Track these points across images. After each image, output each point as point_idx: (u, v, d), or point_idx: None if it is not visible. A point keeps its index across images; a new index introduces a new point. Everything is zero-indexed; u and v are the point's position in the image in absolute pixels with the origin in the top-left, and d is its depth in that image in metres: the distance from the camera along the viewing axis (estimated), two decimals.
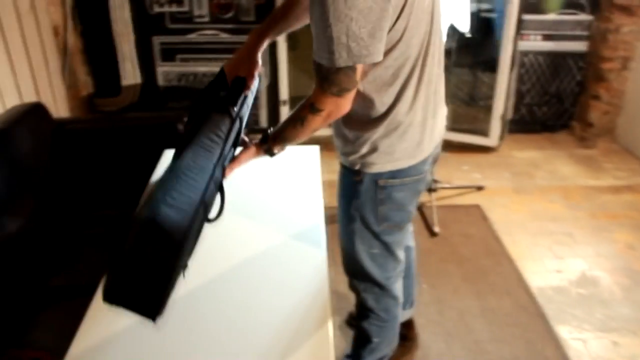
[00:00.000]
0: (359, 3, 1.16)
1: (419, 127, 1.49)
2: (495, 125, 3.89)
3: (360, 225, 1.63)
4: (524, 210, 3.30)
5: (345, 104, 1.35)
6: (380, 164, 1.51)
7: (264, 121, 4.09)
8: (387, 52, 1.31)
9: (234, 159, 1.47)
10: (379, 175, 1.53)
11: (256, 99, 3.91)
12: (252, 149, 1.49)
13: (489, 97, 3.92)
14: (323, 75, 1.29)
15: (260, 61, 1.60)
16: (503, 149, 4.01)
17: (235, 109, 1.47)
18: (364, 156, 1.51)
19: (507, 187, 3.56)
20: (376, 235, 1.64)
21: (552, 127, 4.23)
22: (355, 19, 1.18)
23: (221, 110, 1.44)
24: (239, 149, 1.51)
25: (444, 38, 1.58)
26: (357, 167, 1.55)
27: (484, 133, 3.95)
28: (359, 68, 1.28)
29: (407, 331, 2.21)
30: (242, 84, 1.56)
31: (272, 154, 1.50)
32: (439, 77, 1.53)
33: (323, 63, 1.25)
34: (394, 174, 1.53)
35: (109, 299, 1.08)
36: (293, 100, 4.01)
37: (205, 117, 1.42)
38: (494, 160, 3.89)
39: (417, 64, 1.40)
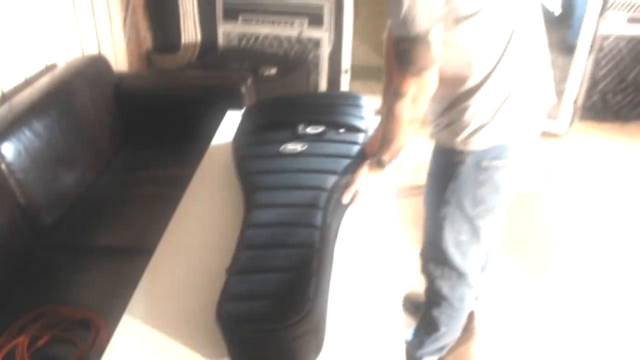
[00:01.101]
0: None
1: (526, 93, 1.42)
2: (566, 111, 3.68)
3: (454, 209, 1.56)
4: (590, 202, 3.12)
5: (427, 84, 1.31)
6: (489, 137, 1.43)
7: (323, 89, 3.96)
8: (477, 14, 1.26)
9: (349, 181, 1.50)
10: (483, 154, 1.45)
11: (317, 65, 3.81)
12: (364, 167, 1.51)
13: (560, 80, 3.70)
14: (401, 54, 1.27)
15: None
16: (570, 135, 3.80)
17: None
18: (471, 133, 1.43)
19: (574, 175, 3.37)
20: (469, 219, 1.57)
21: (626, 116, 3.98)
22: None
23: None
24: None
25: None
26: (461, 147, 1.46)
27: (552, 117, 3.75)
28: (434, 43, 1.24)
29: (468, 322, 2.11)
30: None
31: (383, 164, 1.50)
32: (538, 36, 1.43)
33: (404, 33, 1.23)
34: (499, 154, 1.45)
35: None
36: (354, 70, 3.88)
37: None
38: (561, 147, 3.70)
39: (516, 26, 1.33)
